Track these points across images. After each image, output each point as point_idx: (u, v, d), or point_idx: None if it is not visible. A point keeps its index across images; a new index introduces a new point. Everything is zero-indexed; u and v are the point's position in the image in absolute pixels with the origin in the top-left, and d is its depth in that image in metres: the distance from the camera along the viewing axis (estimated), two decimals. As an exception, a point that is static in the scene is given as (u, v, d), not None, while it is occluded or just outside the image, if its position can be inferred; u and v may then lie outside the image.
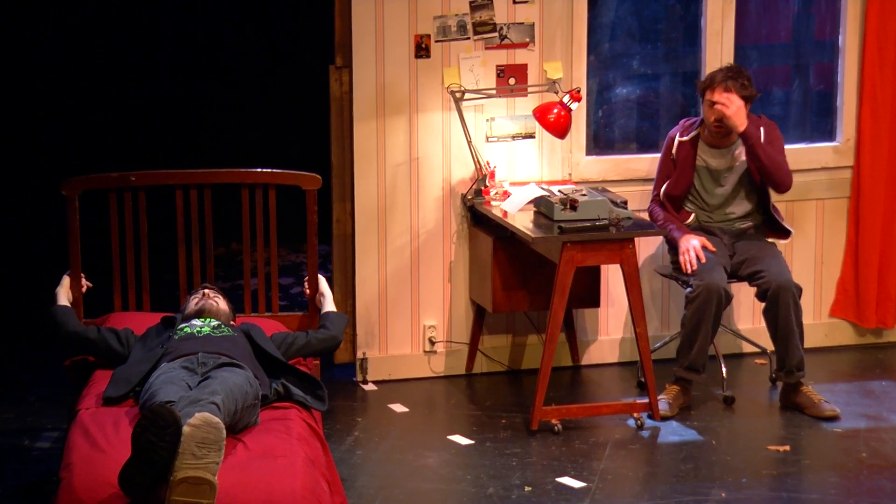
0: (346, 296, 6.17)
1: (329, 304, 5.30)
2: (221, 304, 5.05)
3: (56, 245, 5.86)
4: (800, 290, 5.75)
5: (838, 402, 5.83)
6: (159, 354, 4.72)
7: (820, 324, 6.55)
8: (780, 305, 5.69)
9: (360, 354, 6.18)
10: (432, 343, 6.22)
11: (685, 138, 5.96)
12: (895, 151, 6.38)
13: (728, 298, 5.74)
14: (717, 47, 6.33)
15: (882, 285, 6.44)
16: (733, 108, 5.77)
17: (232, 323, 5.00)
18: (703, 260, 5.74)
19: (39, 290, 5.64)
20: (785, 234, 6.02)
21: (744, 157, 5.91)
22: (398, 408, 5.88)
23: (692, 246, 5.76)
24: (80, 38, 8.38)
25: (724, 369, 5.91)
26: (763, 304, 5.79)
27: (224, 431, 4.12)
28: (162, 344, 4.80)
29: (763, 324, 6.41)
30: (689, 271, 5.72)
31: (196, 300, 5.05)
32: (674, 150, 5.97)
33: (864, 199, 6.38)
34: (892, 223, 6.41)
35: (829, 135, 6.53)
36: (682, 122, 6.08)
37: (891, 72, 6.32)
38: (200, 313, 4.97)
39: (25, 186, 8.21)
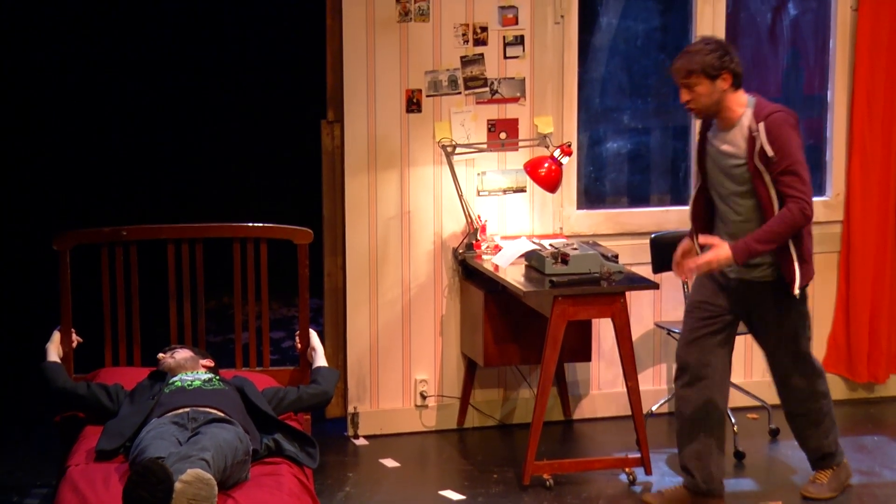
0: (338, 349, 6.16)
1: (320, 359, 5.30)
2: (178, 355, 5.03)
3: (48, 299, 5.84)
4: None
5: (831, 457, 5.82)
6: (150, 407, 4.70)
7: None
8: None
9: (351, 409, 6.16)
10: (424, 397, 6.20)
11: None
12: (885, 205, 6.40)
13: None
14: (707, 102, 6.35)
15: (873, 339, 6.45)
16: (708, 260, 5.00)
17: (223, 376, 4.98)
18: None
19: (31, 345, 5.61)
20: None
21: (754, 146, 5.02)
22: (389, 462, 5.85)
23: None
24: (71, 91, 8.40)
25: (734, 424, 5.89)
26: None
27: (216, 488, 4.11)
28: (153, 397, 4.78)
29: (758, 377, 6.44)
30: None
31: (160, 359, 5.05)
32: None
33: (855, 253, 6.40)
34: (882, 277, 6.42)
35: (818, 189, 6.55)
36: None
37: (879, 126, 6.36)
38: (168, 373, 4.96)
39: (16, 241, 8.19)
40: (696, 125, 6.34)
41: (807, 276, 5.09)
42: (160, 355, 5.09)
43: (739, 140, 5.07)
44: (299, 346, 5.41)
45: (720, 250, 4.99)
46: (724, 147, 5.11)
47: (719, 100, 5.05)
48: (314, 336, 5.41)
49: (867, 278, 6.41)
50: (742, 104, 5.09)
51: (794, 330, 5.21)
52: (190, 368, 4.97)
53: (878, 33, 6.27)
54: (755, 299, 5.19)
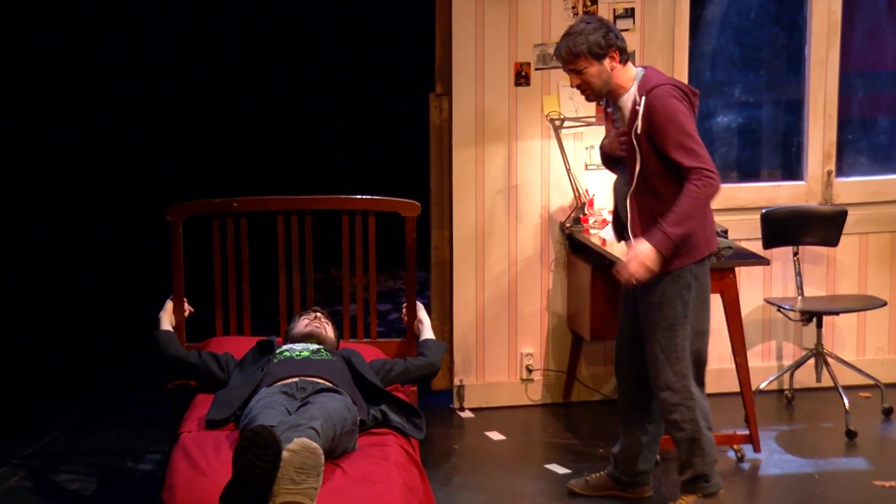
0: (444, 322, 6.18)
1: (427, 332, 5.31)
2: (329, 331, 5.09)
3: (161, 269, 5.94)
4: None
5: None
6: (259, 378, 4.76)
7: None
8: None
9: (457, 381, 6.18)
10: (529, 371, 6.19)
11: None
12: None
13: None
14: (822, 75, 6.25)
15: None
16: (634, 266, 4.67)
17: (333, 349, 5.02)
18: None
19: (144, 314, 5.72)
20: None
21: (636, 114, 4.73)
22: (495, 435, 5.86)
23: None
24: (185, 66, 8.52)
25: (846, 401, 5.81)
26: None
27: (322, 457, 4.14)
28: (262, 367, 4.84)
29: (871, 355, 6.34)
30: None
31: (306, 323, 5.09)
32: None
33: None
34: None
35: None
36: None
37: None
38: (308, 337, 5.01)
39: (127, 213, 8.34)
40: (811, 99, 6.25)
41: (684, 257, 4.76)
42: (318, 314, 5.10)
43: (626, 115, 4.80)
44: (406, 318, 5.43)
45: (639, 249, 4.65)
46: (618, 124, 4.86)
47: (609, 79, 4.76)
48: (421, 309, 5.43)
49: None
50: (631, 78, 4.80)
51: (654, 321, 4.82)
52: (327, 345, 5.00)
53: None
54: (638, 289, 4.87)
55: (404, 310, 5.45)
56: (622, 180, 4.89)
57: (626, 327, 5.00)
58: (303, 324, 5.09)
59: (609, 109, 4.97)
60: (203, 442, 4.47)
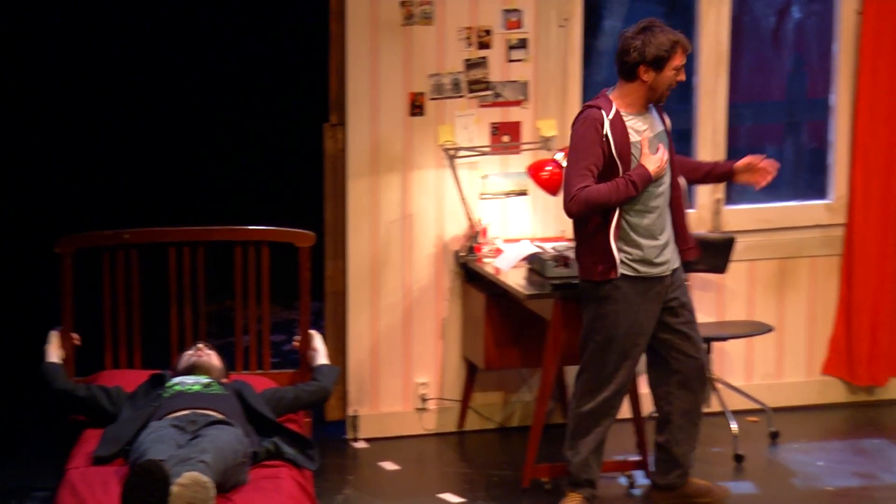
0: (338, 353, 6.17)
1: (322, 358, 5.31)
2: (214, 360, 5.07)
3: (49, 302, 5.87)
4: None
5: (831, 461, 5.84)
6: (150, 412, 4.72)
7: (812, 381, 6.54)
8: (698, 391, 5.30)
9: (351, 411, 6.18)
10: (424, 400, 6.21)
11: (611, 115, 5.07)
12: (887, 209, 6.40)
13: None
14: (711, 105, 6.37)
15: (874, 343, 6.44)
16: None
17: (224, 381, 5.00)
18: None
19: (31, 348, 5.64)
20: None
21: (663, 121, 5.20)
22: (389, 465, 5.87)
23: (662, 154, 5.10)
24: (72, 93, 8.42)
25: (734, 425, 5.90)
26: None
27: (213, 490, 4.13)
28: (152, 402, 4.80)
29: (758, 379, 6.45)
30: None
31: (189, 356, 5.06)
32: (606, 129, 5.05)
33: (857, 256, 6.40)
34: (884, 281, 6.42)
35: (821, 192, 6.55)
36: (594, 98, 5.18)
37: (883, 130, 6.35)
38: (193, 369, 4.98)
39: (17, 244, 8.21)
40: (700, 128, 6.37)
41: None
42: (199, 346, 5.09)
43: (655, 121, 5.18)
44: (298, 345, 5.42)
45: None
46: (651, 145, 5.13)
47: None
48: (316, 337, 5.43)
49: (869, 281, 6.41)
50: None
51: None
52: (214, 376, 4.97)
53: (881, 37, 6.26)
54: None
55: (295, 339, 5.45)
56: (654, 190, 5.09)
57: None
58: (186, 358, 5.07)
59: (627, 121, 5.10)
60: (91, 478, 4.43)
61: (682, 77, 5.13)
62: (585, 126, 5.04)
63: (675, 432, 5.28)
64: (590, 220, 5.09)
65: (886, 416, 6.40)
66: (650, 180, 5.06)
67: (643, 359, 6.15)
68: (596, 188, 5.00)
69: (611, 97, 5.13)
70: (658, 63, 5.02)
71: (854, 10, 6.32)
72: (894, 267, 6.42)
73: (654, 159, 5.08)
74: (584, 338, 5.25)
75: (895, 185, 6.38)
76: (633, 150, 5.07)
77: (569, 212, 5.05)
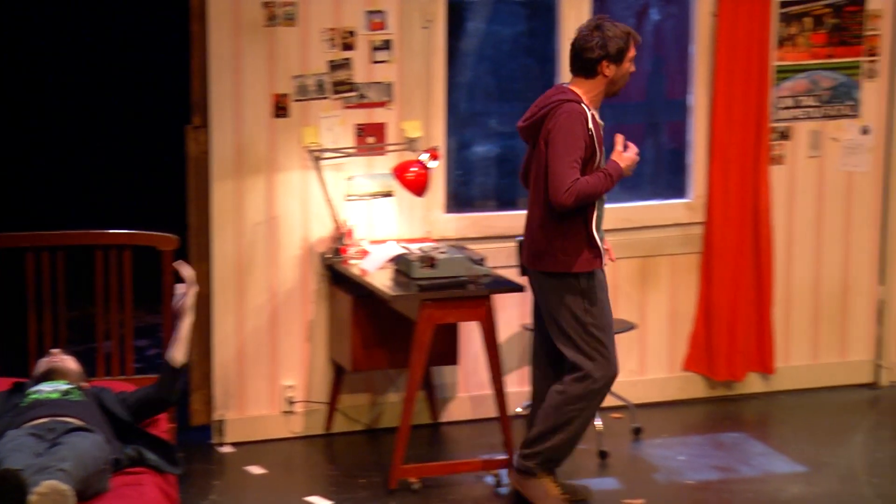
0: (203, 357, 6.12)
1: (177, 348, 5.08)
2: (70, 363, 4.97)
3: None
4: None
5: (692, 455, 5.96)
6: (7, 422, 4.62)
7: (673, 377, 6.67)
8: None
9: (217, 416, 6.12)
10: (291, 403, 6.19)
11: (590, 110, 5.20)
12: (744, 207, 6.55)
13: None
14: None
15: (732, 338, 6.59)
16: None
17: (83, 385, 4.92)
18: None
19: None
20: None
21: None
22: (256, 470, 5.83)
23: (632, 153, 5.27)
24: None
25: (599, 422, 5.98)
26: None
27: (73, 499, 4.06)
28: (9, 411, 4.70)
29: (621, 377, 6.55)
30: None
31: (44, 361, 4.98)
32: (590, 124, 5.18)
33: (715, 254, 6.54)
34: (741, 278, 6.57)
35: (680, 192, 6.68)
36: (562, 93, 5.22)
37: (739, 129, 6.50)
38: (49, 374, 4.89)
39: None
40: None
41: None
42: (52, 351, 4.98)
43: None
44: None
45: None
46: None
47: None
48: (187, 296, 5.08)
49: (727, 279, 6.55)
50: None
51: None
52: (71, 379, 4.87)
53: (736, 39, 6.41)
54: None
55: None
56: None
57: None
58: (41, 363, 4.98)
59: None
60: (-55, 490, 4.31)
61: (633, 68, 5.27)
62: (572, 120, 5.10)
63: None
64: (581, 211, 5.16)
65: (744, 410, 6.56)
66: (622, 176, 5.19)
67: (516, 354, 6.22)
68: (585, 180, 5.10)
69: (578, 92, 5.20)
70: (619, 56, 5.17)
71: (709, 12, 6.46)
72: (751, 264, 6.58)
73: (627, 157, 5.23)
74: (574, 332, 5.22)
75: (751, 184, 6.53)
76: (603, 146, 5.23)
77: (564, 204, 5.06)
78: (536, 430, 5.33)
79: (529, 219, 5.33)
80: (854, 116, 6.70)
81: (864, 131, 6.72)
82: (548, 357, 5.44)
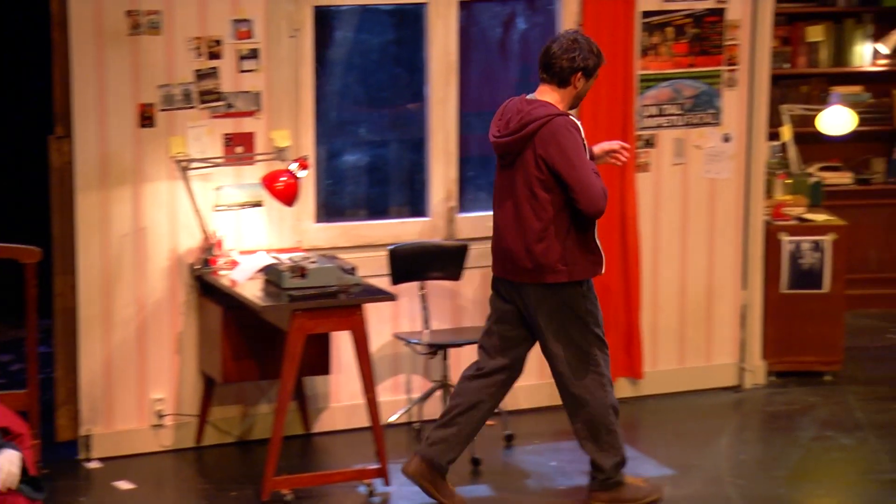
0: (69, 371, 6.00)
1: None
2: None
3: None
4: None
5: (562, 461, 6.02)
6: None
7: (544, 384, 6.69)
8: None
9: (83, 431, 6.01)
10: (160, 416, 6.10)
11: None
12: (611, 214, 6.55)
13: None
14: (442, 115, 6.48)
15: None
16: None
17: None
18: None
19: None
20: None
21: None
22: (124, 485, 5.74)
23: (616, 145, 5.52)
24: None
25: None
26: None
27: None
28: None
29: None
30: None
31: None
32: (582, 133, 5.33)
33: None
34: (610, 284, 6.64)
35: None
36: (544, 107, 5.30)
37: (605, 138, 6.45)
38: None
39: None
40: (432, 137, 6.47)
41: None
42: None
43: None
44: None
45: None
46: None
47: None
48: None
49: (595, 285, 6.58)
50: None
51: None
52: None
53: (600, 48, 6.46)
54: None
55: None
56: None
57: None
58: None
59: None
60: None
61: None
62: (574, 132, 5.23)
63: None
64: (577, 220, 5.26)
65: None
66: None
67: (388, 363, 6.23)
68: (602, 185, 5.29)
69: (553, 103, 5.28)
70: (592, 72, 5.34)
71: (574, 21, 6.55)
72: (619, 271, 6.66)
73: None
74: (574, 340, 5.34)
75: (618, 191, 6.61)
76: None
77: (602, 210, 5.23)
78: (594, 455, 5.43)
79: (516, 233, 5.33)
80: (716, 124, 6.84)
81: (726, 139, 6.87)
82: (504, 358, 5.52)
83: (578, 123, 5.30)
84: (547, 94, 5.31)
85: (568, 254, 5.28)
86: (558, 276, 5.29)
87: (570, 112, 5.32)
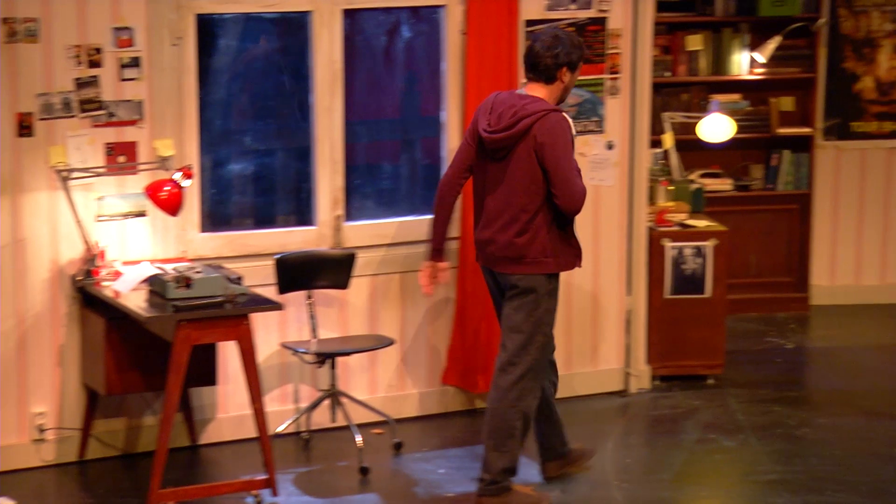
0: (-53, 386, 5.87)
1: None
2: None
3: None
4: None
5: (451, 468, 6.04)
6: None
7: (433, 391, 6.74)
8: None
9: (-38, 448, 5.89)
10: (42, 431, 5.99)
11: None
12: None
13: None
14: (328, 123, 6.46)
15: (489, 351, 6.69)
16: None
17: None
18: None
19: None
20: None
21: None
22: (5, 502, 5.60)
23: None
24: None
25: (359, 438, 6.01)
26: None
27: None
28: None
29: (383, 392, 6.60)
30: None
31: None
32: (573, 130, 5.52)
33: (470, 268, 6.63)
34: (496, 291, 6.69)
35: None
36: (537, 102, 5.43)
37: (490, 146, 6.62)
38: None
39: None
40: (318, 146, 6.45)
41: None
42: None
43: None
44: None
45: None
46: None
47: None
48: None
49: (481, 292, 6.63)
50: None
51: None
52: None
53: (484, 55, 6.54)
54: None
55: None
56: None
57: None
58: None
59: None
60: None
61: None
62: (565, 129, 5.39)
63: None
64: (559, 213, 5.41)
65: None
66: None
67: (275, 373, 6.19)
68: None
69: (544, 98, 5.43)
70: (575, 65, 5.49)
71: (458, 30, 6.58)
72: (505, 277, 6.71)
73: None
74: (528, 336, 5.44)
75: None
76: None
77: (579, 209, 5.42)
78: (491, 443, 5.49)
79: (502, 222, 5.45)
80: (599, 132, 6.93)
81: (609, 146, 6.96)
82: None
83: (571, 121, 5.46)
84: (536, 91, 5.47)
85: (551, 245, 5.44)
86: (542, 267, 5.45)
87: (562, 108, 5.46)
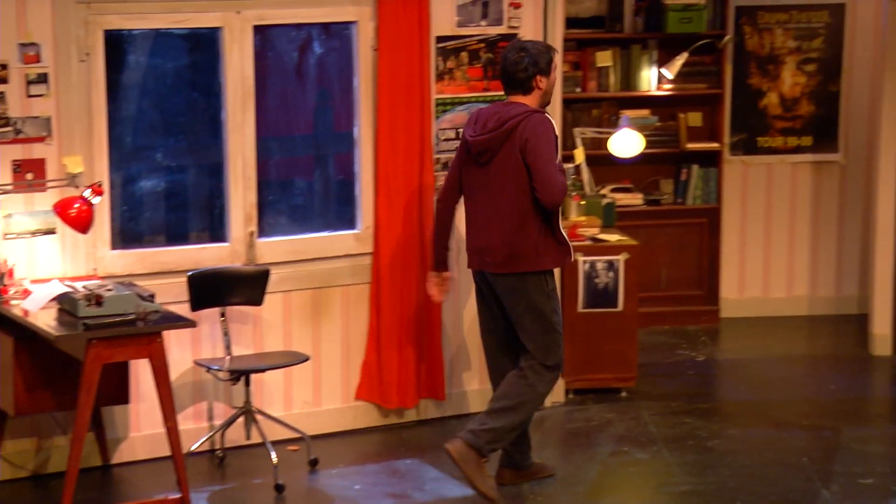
0: None
1: None
2: None
3: None
4: None
5: (366, 484, 6.03)
6: None
7: (347, 407, 6.73)
8: None
9: None
10: (-52, 453, 5.90)
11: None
12: (409, 237, 6.67)
13: None
14: (239, 139, 6.43)
15: (403, 367, 6.71)
16: None
17: None
18: None
19: None
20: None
21: None
22: (-90, 527, 5.53)
23: None
24: None
25: (274, 456, 5.97)
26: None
27: None
28: None
29: (298, 408, 6.57)
30: None
31: None
32: (557, 130, 5.75)
33: (384, 284, 6.65)
34: (408, 307, 6.69)
35: (350, 223, 6.77)
36: (521, 106, 5.69)
37: (402, 160, 6.63)
38: None
39: None
40: (230, 162, 6.42)
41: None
42: None
43: None
44: None
45: None
46: None
47: None
48: None
49: (395, 308, 6.67)
50: None
51: None
52: None
53: (396, 71, 6.56)
54: None
55: None
56: None
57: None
58: None
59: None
60: None
61: (557, 76, 5.88)
62: (547, 128, 5.61)
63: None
64: (546, 211, 5.61)
65: (417, 436, 6.66)
66: None
67: (189, 390, 6.14)
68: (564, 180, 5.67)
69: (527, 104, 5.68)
70: (547, 68, 5.69)
71: (370, 46, 6.59)
72: (418, 293, 6.71)
73: None
74: (541, 332, 5.68)
75: (415, 214, 6.68)
76: None
77: (559, 203, 5.60)
78: (493, 405, 5.69)
79: (493, 225, 5.69)
80: (512, 147, 6.97)
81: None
82: (510, 356, 5.82)
83: (553, 122, 5.66)
84: (518, 100, 5.69)
85: (543, 243, 5.64)
86: (532, 265, 5.63)
87: (545, 111, 5.68)
